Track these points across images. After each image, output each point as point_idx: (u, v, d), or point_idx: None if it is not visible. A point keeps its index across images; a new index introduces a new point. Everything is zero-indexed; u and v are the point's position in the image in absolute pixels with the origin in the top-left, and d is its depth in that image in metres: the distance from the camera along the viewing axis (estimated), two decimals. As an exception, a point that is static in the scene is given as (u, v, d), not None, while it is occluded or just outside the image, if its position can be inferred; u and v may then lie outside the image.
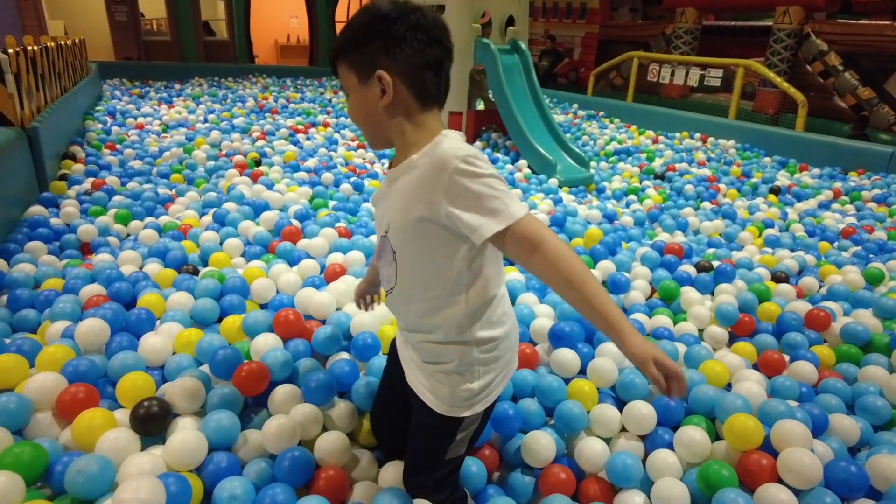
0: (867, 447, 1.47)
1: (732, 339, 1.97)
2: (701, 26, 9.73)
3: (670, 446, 1.41)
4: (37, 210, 2.69)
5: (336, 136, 5.17)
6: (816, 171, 4.80)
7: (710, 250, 2.80)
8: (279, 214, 2.60)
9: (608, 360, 1.61)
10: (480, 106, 5.49)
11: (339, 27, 11.57)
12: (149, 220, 2.71)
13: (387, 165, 1.00)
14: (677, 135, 6.02)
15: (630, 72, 7.80)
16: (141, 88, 7.53)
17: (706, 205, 3.74)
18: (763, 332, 1.95)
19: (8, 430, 1.19)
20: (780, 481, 1.26)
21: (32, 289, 1.94)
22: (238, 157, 3.93)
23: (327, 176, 3.58)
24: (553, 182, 4.05)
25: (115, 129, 4.78)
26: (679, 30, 9.74)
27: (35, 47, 3.56)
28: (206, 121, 5.43)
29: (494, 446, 1.45)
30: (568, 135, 5.74)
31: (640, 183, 4.28)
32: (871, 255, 2.80)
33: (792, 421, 1.34)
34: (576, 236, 2.70)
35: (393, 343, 1.24)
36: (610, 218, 3.25)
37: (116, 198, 2.97)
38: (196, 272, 2.08)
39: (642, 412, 1.45)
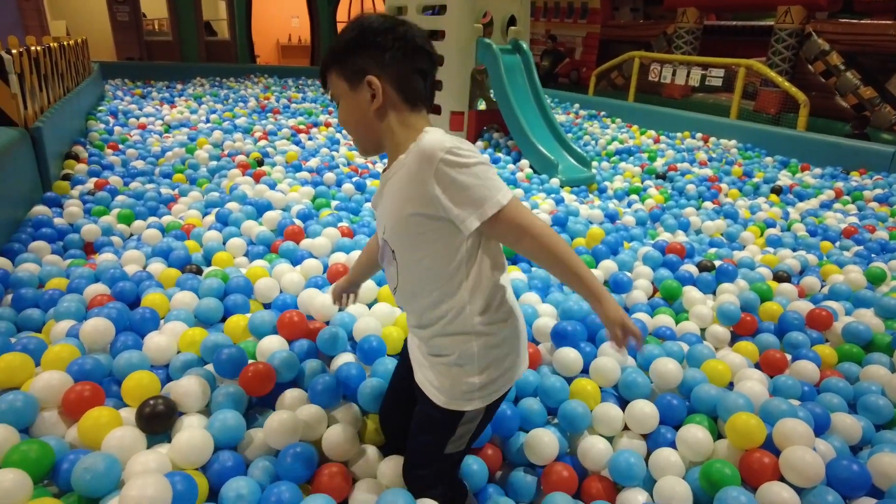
0: (869, 446, 1.47)
1: (734, 338, 1.97)
2: (702, 26, 9.72)
3: (673, 445, 1.42)
4: (41, 210, 2.70)
5: (338, 135, 5.18)
6: (818, 170, 4.80)
7: (712, 250, 2.80)
8: (282, 214, 2.61)
9: (610, 359, 1.61)
10: (482, 106, 5.50)
11: (340, 27, 11.58)
12: (152, 219, 2.72)
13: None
14: (679, 134, 6.02)
15: (631, 72, 7.80)
16: (143, 88, 7.54)
17: (708, 204, 3.75)
18: (765, 331, 1.96)
19: (15, 428, 1.20)
20: (783, 480, 1.27)
21: (37, 288, 1.95)
22: (240, 157, 3.94)
23: (329, 176, 3.59)
24: (555, 182, 4.05)
25: (117, 129, 4.79)
26: (680, 29, 9.73)
27: (38, 48, 3.57)
28: (208, 121, 5.44)
29: (497, 445, 1.46)
30: (569, 134, 5.75)
31: (642, 183, 4.29)
32: (872, 255, 2.81)
33: (794, 420, 1.34)
34: (578, 236, 2.70)
35: (405, 341, 1.25)
36: (612, 218, 3.26)
37: (119, 198, 2.98)
38: (199, 272, 2.09)
39: (645, 411, 1.46)
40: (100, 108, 5.69)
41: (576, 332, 1.71)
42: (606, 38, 11.52)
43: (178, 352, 1.57)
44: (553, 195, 3.63)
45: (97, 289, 1.86)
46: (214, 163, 3.81)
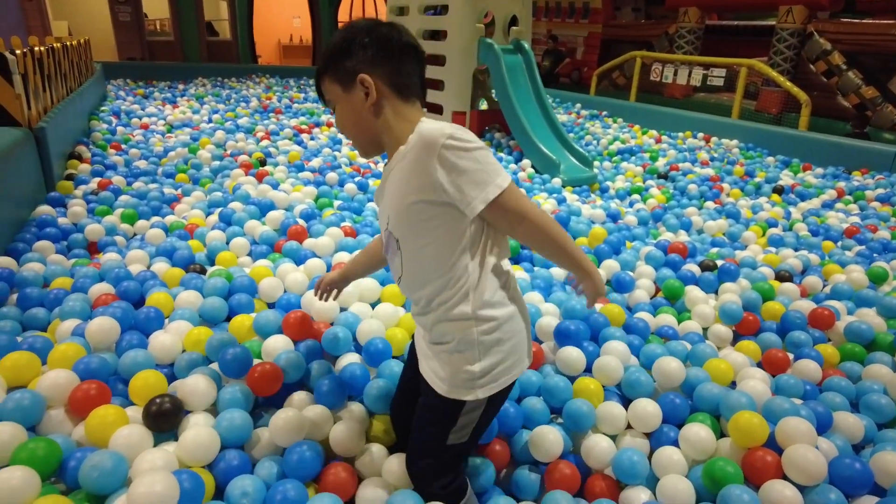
0: (871, 445, 1.48)
1: (737, 337, 1.98)
2: (704, 26, 9.73)
3: (676, 443, 1.42)
4: (45, 210, 2.72)
5: (340, 136, 5.19)
6: (820, 170, 4.80)
7: (714, 249, 2.81)
8: (285, 214, 2.62)
9: (614, 358, 1.62)
10: (484, 106, 5.51)
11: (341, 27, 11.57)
12: (155, 219, 2.73)
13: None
14: (680, 134, 6.03)
15: (633, 71, 7.80)
16: (145, 89, 7.56)
17: (709, 204, 3.75)
18: (767, 330, 1.96)
19: (22, 426, 1.21)
20: (785, 478, 1.27)
21: (42, 287, 1.96)
22: (243, 157, 3.95)
23: (332, 175, 3.60)
24: (557, 182, 4.06)
25: (120, 129, 4.80)
26: (682, 29, 9.73)
27: (42, 48, 3.58)
28: (210, 121, 5.46)
29: (504, 442, 1.46)
30: (571, 134, 5.75)
31: (644, 182, 4.29)
32: (874, 255, 2.81)
33: (797, 418, 1.35)
34: (580, 235, 2.71)
35: (412, 340, 1.26)
36: (614, 217, 3.26)
37: (123, 197, 2.99)
38: (203, 271, 2.09)
39: (648, 410, 1.46)
40: (102, 108, 5.70)
41: (579, 332, 1.72)
42: (608, 37, 11.53)
43: (183, 351, 1.58)
44: (555, 195, 3.64)
45: (102, 288, 1.87)
46: (217, 163, 3.82)
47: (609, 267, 2.29)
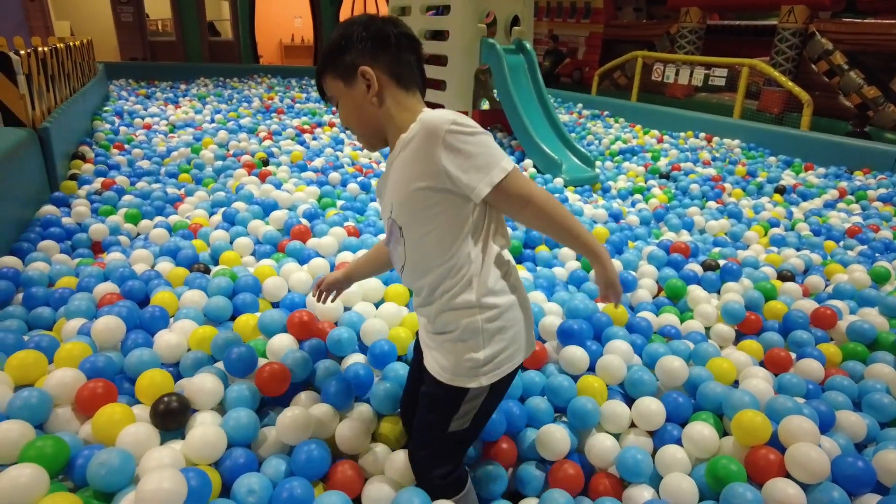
0: (874, 443, 1.48)
1: (739, 336, 1.98)
2: (705, 26, 9.73)
3: (679, 442, 1.43)
4: (49, 209, 2.73)
5: (342, 136, 5.20)
6: (822, 170, 4.80)
7: (716, 249, 2.81)
8: (288, 214, 2.63)
9: (617, 357, 1.63)
10: (485, 106, 5.52)
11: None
12: (158, 219, 2.74)
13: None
14: (682, 134, 6.03)
15: (634, 71, 7.81)
16: (147, 89, 7.57)
17: (711, 204, 3.75)
18: (769, 330, 1.96)
19: (30, 424, 1.22)
20: (788, 476, 1.28)
21: (47, 287, 1.97)
22: (246, 157, 3.96)
23: (334, 175, 3.61)
24: (558, 181, 4.06)
25: (122, 129, 4.82)
26: (683, 29, 9.74)
27: (45, 48, 3.59)
28: (212, 121, 5.46)
29: (511, 441, 1.46)
30: (573, 134, 5.75)
31: (646, 182, 4.29)
32: (876, 255, 2.81)
33: (800, 417, 1.35)
34: (582, 235, 2.71)
35: (416, 338, 1.27)
36: (616, 217, 3.27)
37: (126, 197, 3.00)
38: (207, 270, 2.10)
39: (651, 408, 1.47)
40: (105, 108, 5.72)
41: (582, 331, 1.72)
42: (609, 37, 11.54)
43: (189, 350, 1.59)
44: (557, 195, 3.64)
45: (107, 287, 1.88)
46: (220, 163, 3.83)
47: (612, 266, 2.29)
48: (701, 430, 1.40)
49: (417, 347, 1.24)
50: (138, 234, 2.66)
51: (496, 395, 1.13)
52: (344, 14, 12.03)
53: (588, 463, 1.44)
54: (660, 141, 5.74)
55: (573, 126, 6.40)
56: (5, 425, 1.17)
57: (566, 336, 1.72)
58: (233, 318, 1.80)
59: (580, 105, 7.85)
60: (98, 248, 2.51)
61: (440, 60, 5.04)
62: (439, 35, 5.18)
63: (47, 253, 2.28)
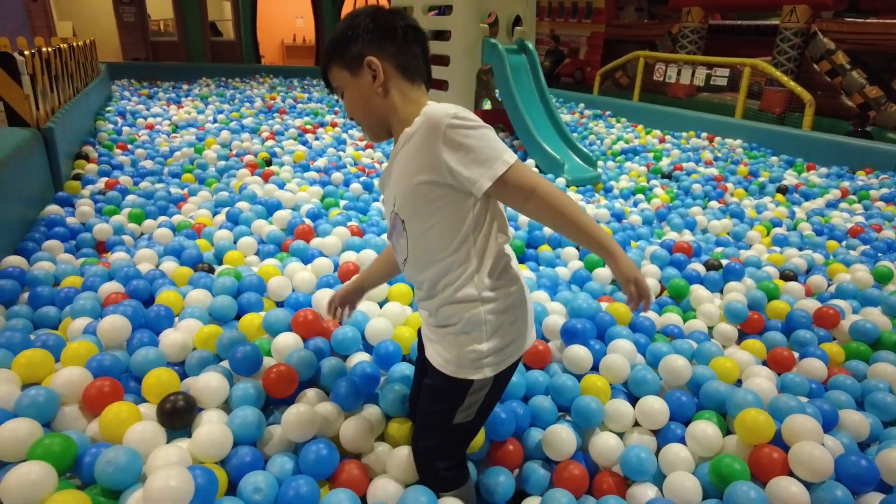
0: (877, 442, 1.49)
1: (742, 336, 1.98)
2: (707, 25, 9.73)
3: (682, 441, 1.44)
4: (53, 209, 2.73)
5: (344, 136, 5.21)
6: (824, 170, 4.80)
7: (719, 249, 2.82)
8: (291, 213, 2.63)
9: (620, 356, 1.63)
10: (488, 105, 5.52)
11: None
12: (162, 219, 2.75)
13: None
14: (684, 134, 6.03)
15: (636, 71, 7.81)
16: (149, 89, 7.58)
17: (714, 204, 3.76)
18: (772, 329, 1.97)
19: (38, 422, 1.22)
20: (792, 475, 1.28)
21: (52, 286, 1.98)
22: (248, 157, 3.97)
23: (337, 175, 3.62)
24: (561, 181, 4.07)
25: (125, 129, 4.83)
26: (685, 29, 9.74)
27: (49, 49, 3.60)
28: (215, 121, 5.47)
29: (517, 441, 1.47)
30: (575, 134, 5.76)
31: (648, 182, 4.30)
32: (879, 254, 2.82)
33: (803, 416, 1.36)
34: (585, 235, 2.71)
35: (419, 335, 1.27)
36: (618, 217, 3.27)
37: (130, 197, 3.01)
38: (211, 270, 2.11)
39: (655, 407, 1.48)
40: (108, 108, 5.73)
41: (585, 330, 1.73)
42: (611, 37, 11.54)
43: (194, 349, 1.60)
44: (559, 194, 3.64)
45: (112, 287, 1.89)
46: (223, 163, 3.84)
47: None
48: (704, 428, 1.41)
49: (422, 342, 1.25)
50: (142, 234, 2.67)
51: (499, 387, 1.14)
52: (345, 14, 12.04)
53: (592, 461, 1.44)
54: (662, 141, 5.75)
55: (575, 126, 6.41)
56: (13, 423, 1.18)
57: (569, 335, 1.73)
58: (237, 318, 1.80)
59: (582, 105, 7.86)
60: (102, 247, 2.51)
61: (442, 60, 5.04)
62: (441, 35, 5.18)
63: (52, 252, 2.29)
